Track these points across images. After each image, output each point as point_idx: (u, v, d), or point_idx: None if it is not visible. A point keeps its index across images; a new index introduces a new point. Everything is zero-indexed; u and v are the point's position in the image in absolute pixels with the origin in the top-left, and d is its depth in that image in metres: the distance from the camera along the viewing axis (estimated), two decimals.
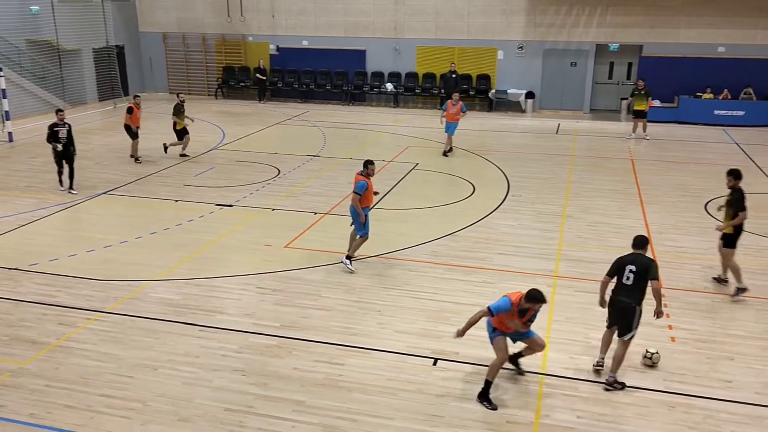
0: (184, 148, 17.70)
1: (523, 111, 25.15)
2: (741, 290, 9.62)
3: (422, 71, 26.20)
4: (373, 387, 7.41)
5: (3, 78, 18.90)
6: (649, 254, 7.73)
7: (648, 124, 20.64)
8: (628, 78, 24.98)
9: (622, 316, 7.47)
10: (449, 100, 18.22)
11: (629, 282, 7.43)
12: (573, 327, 8.70)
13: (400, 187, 15.18)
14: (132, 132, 17.14)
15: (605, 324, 7.76)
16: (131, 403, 7.12)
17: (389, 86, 26.22)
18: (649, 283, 7.38)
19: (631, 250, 7.68)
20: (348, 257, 10.56)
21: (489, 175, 16.34)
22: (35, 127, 20.13)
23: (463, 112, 18.17)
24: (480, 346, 8.22)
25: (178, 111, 17.37)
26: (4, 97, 19.12)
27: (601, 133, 21.62)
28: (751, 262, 10.83)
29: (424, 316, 9.04)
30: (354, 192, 10.19)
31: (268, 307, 9.34)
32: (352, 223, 10.56)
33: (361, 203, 10.22)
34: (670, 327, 8.66)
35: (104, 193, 14.61)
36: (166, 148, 17.67)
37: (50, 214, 13.25)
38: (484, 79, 25.55)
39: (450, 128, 18.07)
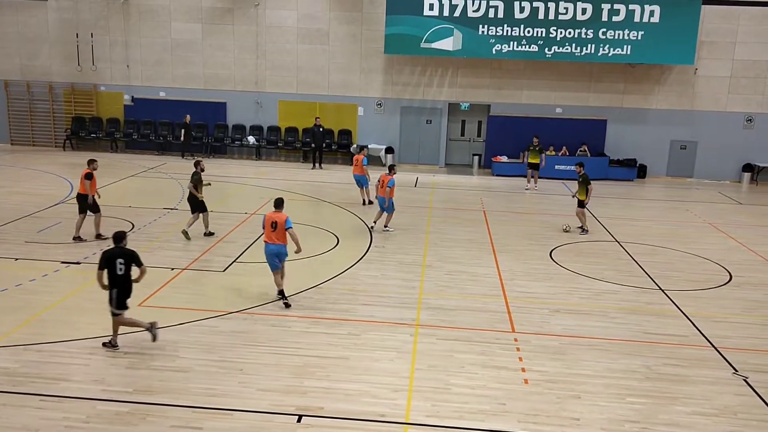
0: (207, 226, 14.84)
1: (384, 165, 25.92)
2: (584, 231, 16.45)
3: (285, 125, 26.36)
4: None
5: None
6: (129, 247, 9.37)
7: (496, 177, 21.97)
8: (479, 135, 26.66)
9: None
10: (359, 155, 19.02)
11: (121, 272, 9.10)
12: (435, 375, 8.90)
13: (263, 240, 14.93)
14: (89, 203, 14.30)
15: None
16: None
17: (251, 139, 26.06)
18: (139, 270, 9.24)
19: None
20: (385, 226, 15.97)
21: (352, 226, 16.57)
22: None
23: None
24: (344, 399, 8.20)
25: (199, 180, 14.22)
26: None
27: (456, 186, 22.76)
28: (590, 305, 11.75)
29: (288, 372, 8.86)
30: (387, 186, 15.61)
31: (119, 371, 8.74)
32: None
33: (391, 194, 15.71)
34: (523, 369, 9.11)
35: None
36: (187, 234, 14.52)
37: None
38: (346, 134, 26.16)
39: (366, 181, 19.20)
